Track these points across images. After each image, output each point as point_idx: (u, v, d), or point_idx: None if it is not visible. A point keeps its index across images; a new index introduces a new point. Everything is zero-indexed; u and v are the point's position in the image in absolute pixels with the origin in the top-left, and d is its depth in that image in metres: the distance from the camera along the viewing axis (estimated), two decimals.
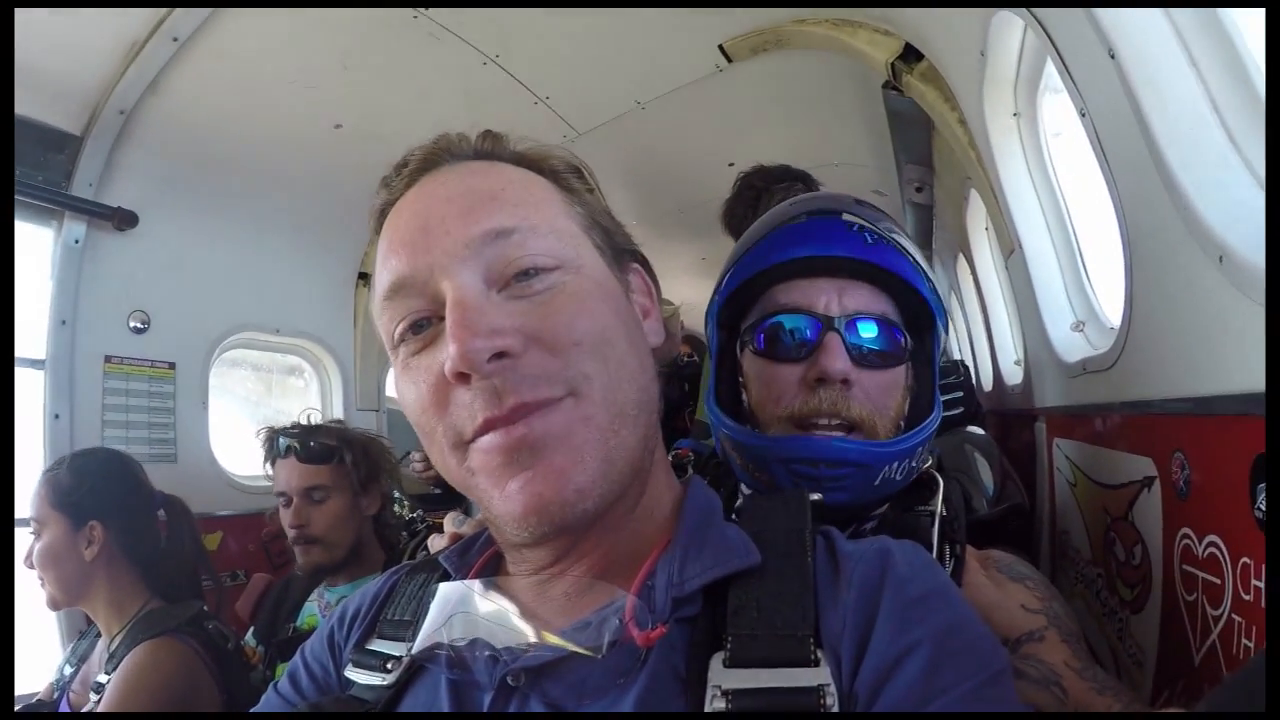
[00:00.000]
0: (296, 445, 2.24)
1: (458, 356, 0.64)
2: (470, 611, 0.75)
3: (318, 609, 2.26)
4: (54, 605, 1.92)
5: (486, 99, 2.87)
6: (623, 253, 0.84)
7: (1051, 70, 1.56)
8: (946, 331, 1.23)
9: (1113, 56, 1.06)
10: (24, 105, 2.61)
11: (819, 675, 0.62)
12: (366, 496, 2.28)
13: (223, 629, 1.95)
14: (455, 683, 0.73)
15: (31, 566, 1.88)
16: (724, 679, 0.63)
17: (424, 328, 0.72)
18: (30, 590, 1.91)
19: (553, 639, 0.69)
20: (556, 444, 0.67)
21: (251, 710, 0.86)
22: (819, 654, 0.64)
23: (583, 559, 0.74)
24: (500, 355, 0.66)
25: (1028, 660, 0.98)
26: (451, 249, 0.70)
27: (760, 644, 0.65)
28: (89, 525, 1.87)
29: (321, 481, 2.23)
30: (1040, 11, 1.35)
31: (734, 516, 0.82)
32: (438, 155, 0.80)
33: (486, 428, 0.67)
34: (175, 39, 2.55)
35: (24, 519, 1.95)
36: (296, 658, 0.89)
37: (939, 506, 1.10)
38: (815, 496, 0.82)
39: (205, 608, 1.96)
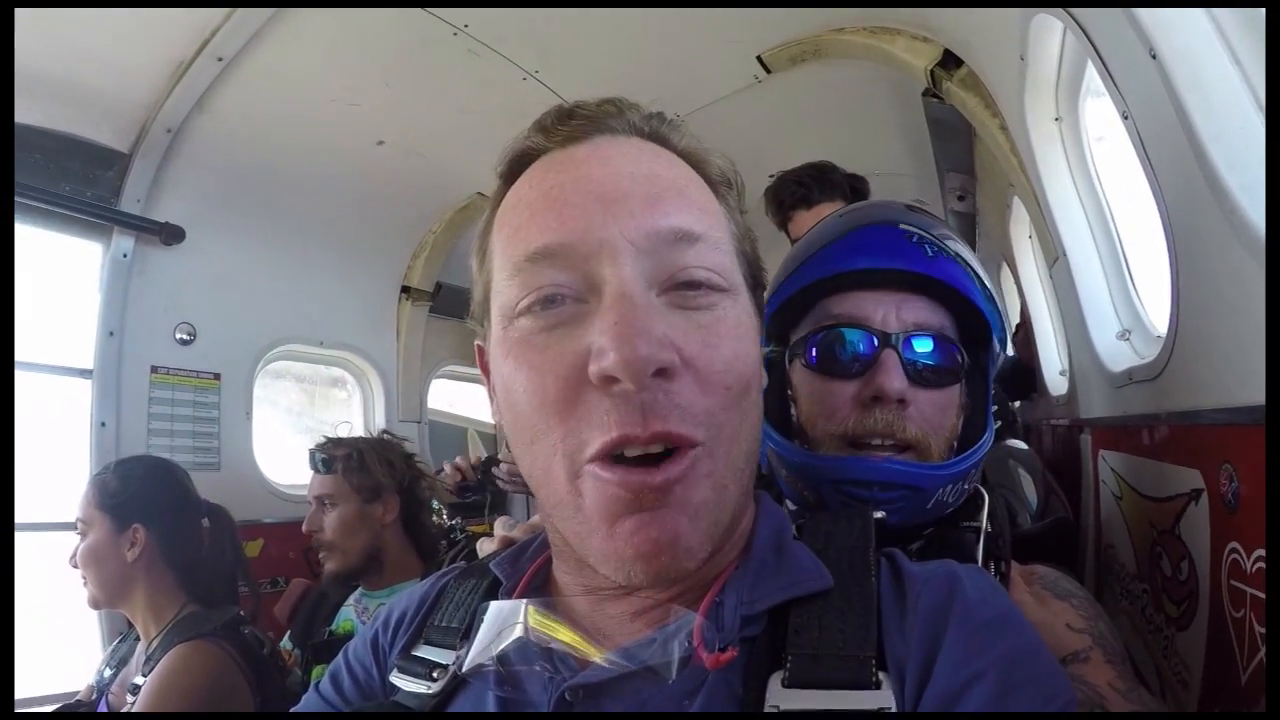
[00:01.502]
0: (316, 457, 2.35)
1: (619, 361, 0.57)
2: (524, 629, 0.69)
3: (354, 614, 2.29)
4: (94, 605, 1.96)
5: (527, 114, 2.82)
6: (759, 288, 0.78)
7: (1093, 73, 1.53)
8: (1004, 347, 1.19)
9: (1154, 57, 1.03)
10: (73, 124, 2.71)
11: (880, 698, 0.60)
12: (380, 504, 2.32)
13: (258, 634, 1.97)
14: (504, 699, 0.70)
15: (75, 566, 1.92)
16: (782, 699, 0.61)
17: (557, 303, 0.64)
18: (73, 590, 1.96)
19: (614, 658, 0.64)
20: (680, 497, 0.61)
21: (291, 710, 0.85)
22: (881, 677, 0.61)
23: (645, 591, 0.70)
24: (661, 371, 0.60)
25: (1073, 681, 0.95)
26: (631, 233, 0.63)
27: (821, 665, 0.62)
28: (132, 528, 1.91)
29: (329, 490, 2.31)
30: (1079, 12, 1.32)
31: (795, 534, 0.78)
32: (611, 118, 0.72)
33: (618, 445, 0.60)
34: (220, 59, 2.61)
35: (67, 522, 2.00)
36: (339, 658, 0.86)
37: (984, 523, 1.08)
38: (879, 514, 0.79)
39: (242, 613, 1.99)
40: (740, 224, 0.76)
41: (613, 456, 0.61)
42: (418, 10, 2.50)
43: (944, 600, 0.65)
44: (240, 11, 2.45)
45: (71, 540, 1.95)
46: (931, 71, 2.37)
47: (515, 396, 0.66)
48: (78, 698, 2.10)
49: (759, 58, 2.77)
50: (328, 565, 2.30)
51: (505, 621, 0.70)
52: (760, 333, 0.78)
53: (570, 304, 0.63)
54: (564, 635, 0.68)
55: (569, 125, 0.71)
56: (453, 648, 0.76)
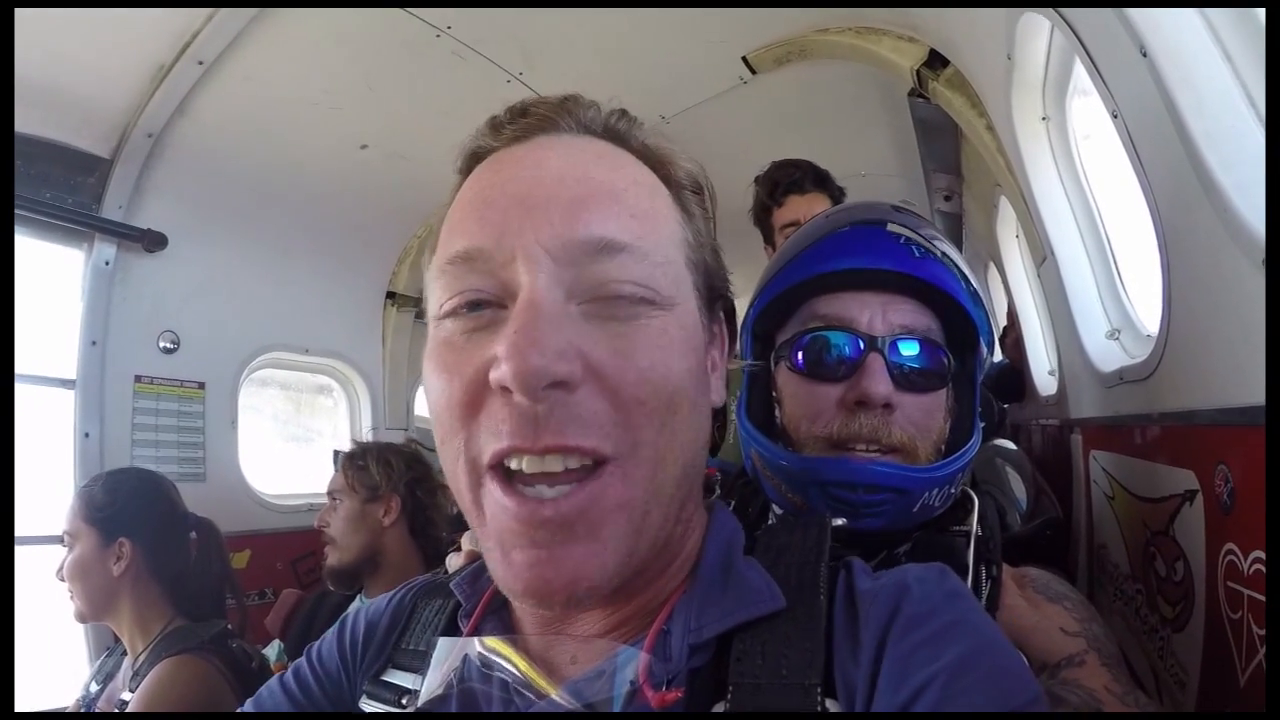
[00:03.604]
0: (336, 455, 2.44)
1: (512, 373, 0.56)
2: (474, 664, 0.67)
3: None
4: (81, 618, 1.95)
5: None
6: (717, 298, 0.75)
7: (1081, 72, 1.53)
8: (991, 350, 1.18)
9: (1145, 55, 1.03)
10: (53, 129, 2.68)
11: None
12: (381, 505, 2.32)
13: (246, 648, 1.95)
14: None
15: (62, 579, 1.91)
16: None
17: (481, 309, 0.62)
18: (60, 605, 1.93)
19: (562, 694, 0.62)
20: (584, 531, 0.59)
21: (251, 699, 0.83)
22: (828, 705, 0.58)
23: (593, 612, 0.68)
24: (560, 384, 0.57)
25: (1068, 686, 0.94)
26: (546, 241, 0.61)
27: (763, 694, 0.59)
28: (118, 541, 1.89)
29: (337, 486, 2.35)
30: (1068, 11, 1.32)
31: (750, 549, 0.75)
32: (562, 117, 0.69)
33: (509, 454, 0.59)
34: (200, 62, 2.58)
35: (53, 536, 1.97)
36: (303, 657, 0.84)
37: (974, 526, 1.06)
38: (839, 522, 0.77)
39: (230, 626, 1.96)
40: (700, 232, 0.72)
41: (507, 471, 0.60)
42: (400, 12, 2.47)
43: (888, 616, 0.61)
44: (221, 14, 2.42)
45: (55, 554, 1.93)
46: (917, 71, 2.37)
47: (431, 396, 0.65)
48: (66, 710, 2.08)
49: (744, 59, 2.76)
50: (328, 560, 2.32)
51: (456, 657, 0.69)
52: (723, 344, 0.77)
53: (493, 309, 0.62)
54: (514, 666, 0.66)
55: (518, 124, 0.69)
56: (420, 671, 0.74)
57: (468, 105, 2.82)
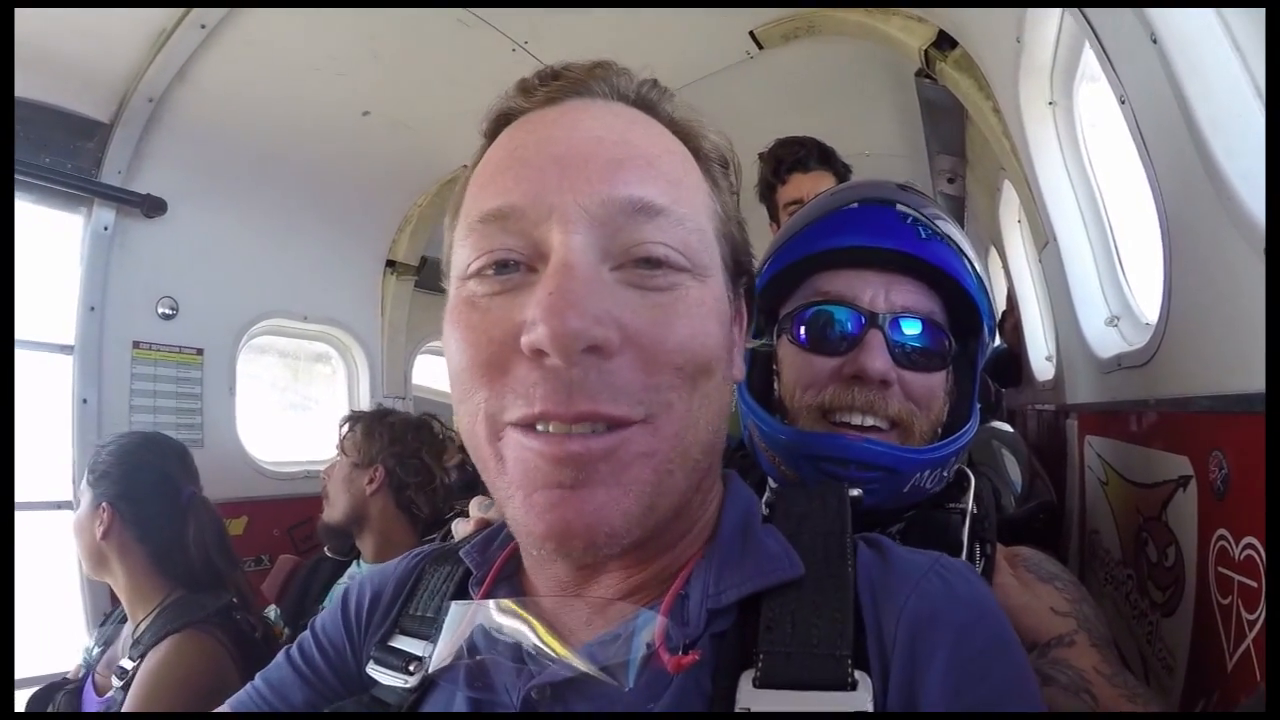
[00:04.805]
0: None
1: (548, 335, 0.54)
2: (487, 629, 0.67)
3: None
4: (86, 571, 2.01)
5: None
6: (741, 274, 0.74)
7: (1090, 58, 1.52)
8: (993, 337, 1.18)
9: (1155, 42, 1.02)
10: (52, 93, 2.66)
11: (857, 700, 0.57)
12: (366, 473, 2.36)
13: (250, 619, 1.96)
14: (474, 699, 0.68)
15: None
16: (753, 700, 0.58)
17: (509, 270, 0.61)
18: (57, 572, 1.95)
19: (576, 659, 0.62)
20: (607, 474, 0.58)
21: (260, 673, 0.84)
22: (857, 676, 0.58)
23: (609, 575, 0.68)
24: (596, 349, 0.56)
25: (1057, 665, 0.95)
26: (585, 200, 0.59)
27: (794, 664, 0.59)
28: (100, 506, 1.90)
29: (339, 445, 2.42)
30: None
31: (766, 510, 0.77)
32: (595, 82, 0.68)
33: (539, 419, 0.58)
34: (203, 26, 2.57)
35: (51, 501, 1.99)
36: (307, 630, 0.85)
37: (970, 504, 1.07)
38: (855, 492, 0.77)
39: (234, 600, 1.96)
40: (727, 205, 0.72)
41: (534, 427, 0.59)
42: None
43: (933, 613, 0.62)
44: None
45: (53, 519, 1.95)
46: (926, 52, 2.36)
47: (451, 354, 0.64)
48: (66, 676, 2.09)
49: (751, 33, 2.74)
50: (322, 514, 2.41)
51: (469, 623, 0.68)
52: (743, 321, 0.76)
53: (521, 271, 0.61)
54: (528, 632, 0.65)
55: (550, 86, 0.68)
56: (428, 638, 0.74)
57: (472, 74, 2.84)
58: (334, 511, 2.35)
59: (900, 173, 3.41)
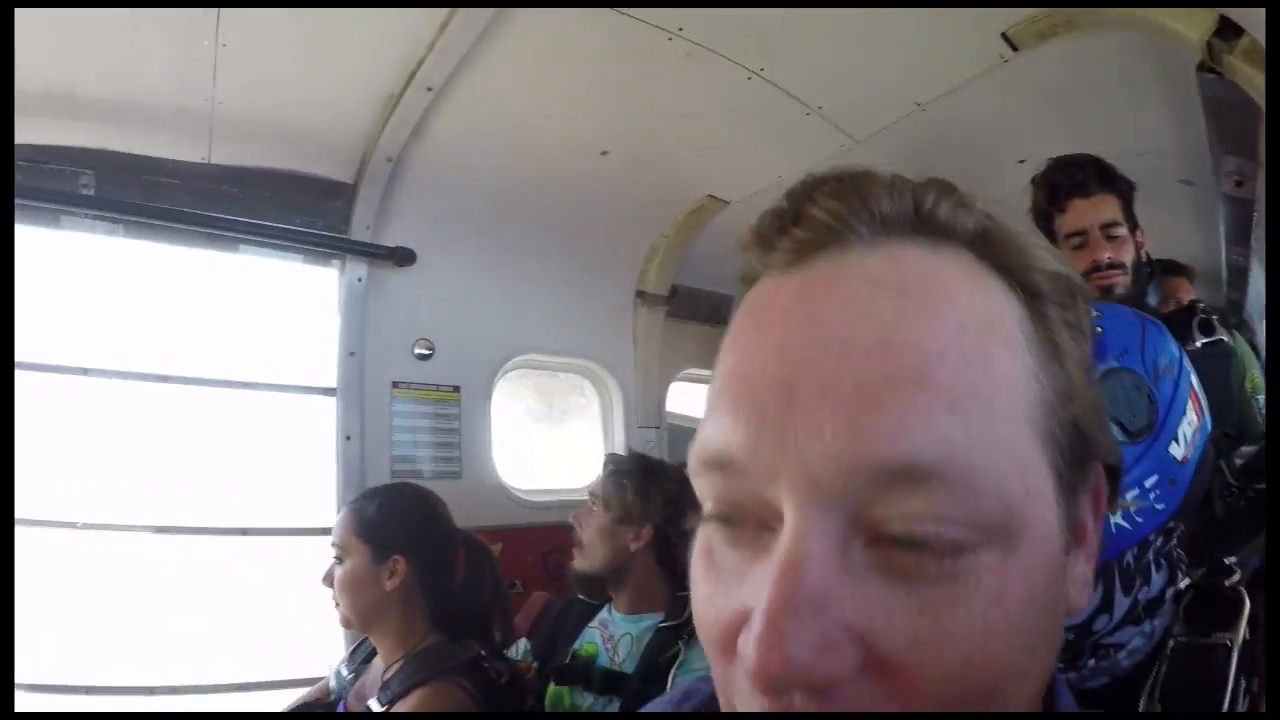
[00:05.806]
0: (606, 460, 2.46)
1: (756, 668, 0.38)
2: None
3: (598, 637, 2.31)
4: (346, 625, 2.04)
5: (755, 115, 2.78)
6: (1086, 465, 0.48)
7: None
8: None
9: None
10: (298, 161, 2.87)
11: None
12: (630, 529, 2.30)
13: (499, 665, 1.94)
14: None
15: (329, 586, 1.98)
16: None
17: (737, 522, 0.45)
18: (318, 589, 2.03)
19: None
20: None
21: None
22: None
23: None
24: (822, 686, 0.39)
25: None
26: (816, 464, 0.40)
27: None
28: (393, 559, 1.92)
29: (595, 491, 2.37)
30: None
31: None
32: (851, 219, 0.46)
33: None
34: (429, 89, 2.64)
35: (317, 528, 2.06)
36: None
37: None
38: None
39: (483, 652, 1.93)
40: (1071, 369, 0.47)
41: None
42: (628, 20, 2.40)
43: None
44: (442, 42, 2.45)
45: (319, 543, 2.00)
46: (1208, 43, 2.03)
47: (696, 601, 0.48)
48: (314, 695, 2.19)
49: (1004, 35, 2.48)
50: (574, 562, 2.36)
51: None
52: (1083, 537, 0.49)
53: (751, 528, 0.44)
54: None
55: (791, 237, 0.47)
56: None
57: (709, 105, 2.79)
58: (591, 561, 2.31)
59: (1178, 172, 3.06)
